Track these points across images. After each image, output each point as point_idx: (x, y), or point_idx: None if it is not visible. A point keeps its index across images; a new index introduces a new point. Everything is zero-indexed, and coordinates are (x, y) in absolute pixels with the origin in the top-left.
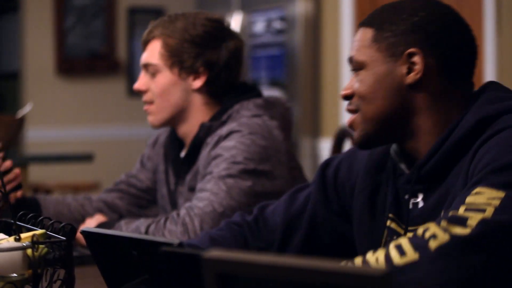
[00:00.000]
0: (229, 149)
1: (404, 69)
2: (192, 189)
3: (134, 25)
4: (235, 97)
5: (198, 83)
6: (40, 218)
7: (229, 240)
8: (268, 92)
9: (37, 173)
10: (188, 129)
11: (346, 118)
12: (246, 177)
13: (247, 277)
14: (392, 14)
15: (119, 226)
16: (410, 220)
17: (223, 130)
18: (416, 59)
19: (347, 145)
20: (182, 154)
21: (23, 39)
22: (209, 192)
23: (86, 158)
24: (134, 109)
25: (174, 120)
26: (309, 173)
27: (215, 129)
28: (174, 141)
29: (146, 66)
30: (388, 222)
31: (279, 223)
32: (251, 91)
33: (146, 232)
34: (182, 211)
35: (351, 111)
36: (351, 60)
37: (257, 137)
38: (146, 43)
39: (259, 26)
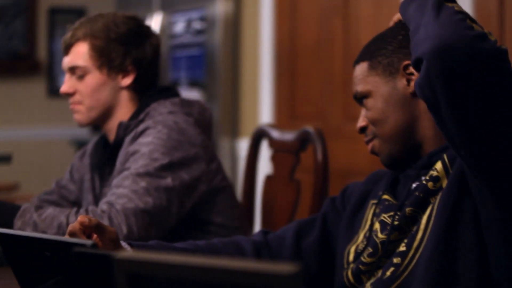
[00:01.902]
0: (146, 144)
1: (404, 81)
2: None
3: (54, 25)
4: (153, 96)
5: (127, 80)
6: None
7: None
8: (188, 92)
9: None
10: (114, 125)
11: (265, 118)
12: (164, 174)
13: (157, 277)
14: (378, 42)
15: (29, 212)
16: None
17: (140, 128)
18: (412, 69)
19: (264, 145)
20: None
21: None
22: (128, 189)
23: (4, 159)
24: (54, 110)
25: (101, 118)
26: (228, 173)
27: (133, 127)
28: (100, 147)
29: (73, 69)
30: (379, 198)
31: (291, 229)
32: (169, 91)
33: (67, 223)
34: (103, 206)
35: (369, 140)
36: (356, 95)
37: (172, 132)
38: (69, 47)
39: (179, 26)
